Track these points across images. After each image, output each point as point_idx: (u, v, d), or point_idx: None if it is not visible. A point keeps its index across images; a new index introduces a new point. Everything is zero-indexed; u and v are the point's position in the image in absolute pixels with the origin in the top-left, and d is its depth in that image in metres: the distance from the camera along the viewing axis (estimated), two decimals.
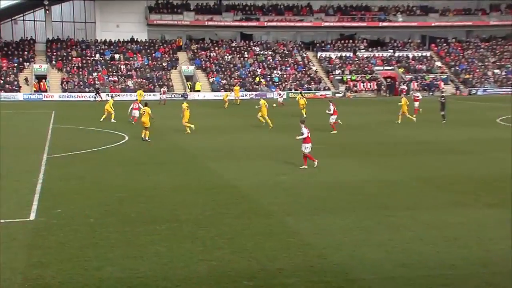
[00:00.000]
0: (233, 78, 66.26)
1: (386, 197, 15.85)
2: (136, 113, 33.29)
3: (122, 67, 65.63)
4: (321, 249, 11.47)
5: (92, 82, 61.81)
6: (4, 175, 18.57)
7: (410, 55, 73.94)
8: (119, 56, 67.05)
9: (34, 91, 58.84)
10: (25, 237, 12.07)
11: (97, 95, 56.61)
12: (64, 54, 65.83)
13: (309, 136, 19.72)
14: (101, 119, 35.32)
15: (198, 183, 17.86)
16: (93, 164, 21.03)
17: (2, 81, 59.64)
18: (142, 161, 21.86)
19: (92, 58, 66.08)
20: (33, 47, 66.86)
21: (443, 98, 36.02)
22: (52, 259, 10.72)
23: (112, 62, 66.08)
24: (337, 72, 70.13)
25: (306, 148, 19.77)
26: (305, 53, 73.47)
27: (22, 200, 15.18)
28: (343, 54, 73.15)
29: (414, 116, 35.39)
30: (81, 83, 61.42)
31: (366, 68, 70.78)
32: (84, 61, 65.34)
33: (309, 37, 77.16)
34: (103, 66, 65.01)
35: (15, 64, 62.93)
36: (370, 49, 74.69)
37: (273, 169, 20.21)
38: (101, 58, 66.36)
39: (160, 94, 54.84)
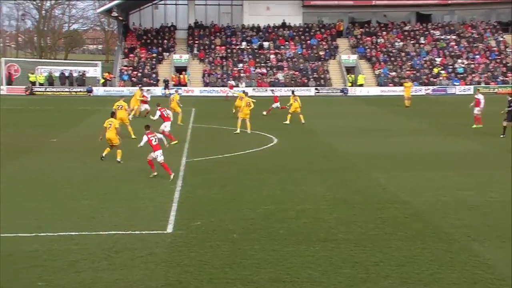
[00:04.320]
0: (404, 70, 64.94)
1: None
2: (165, 127, 27.72)
3: (272, 56, 67.45)
4: None
5: (237, 74, 64.38)
6: (140, 180, 20.04)
7: None
8: (269, 44, 69.00)
9: (173, 85, 62.63)
10: (162, 251, 12.90)
11: (166, 88, 58.66)
12: (207, 42, 69.31)
13: (156, 143, 20.03)
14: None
15: (359, 196, 17.80)
16: (237, 170, 21.85)
17: (140, 74, 64.40)
18: (293, 168, 22.26)
19: (237, 47, 68.79)
20: (173, 35, 71.28)
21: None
22: (191, 279, 11.33)
23: (260, 51, 68.21)
24: None
25: (158, 156, 19.89)
26: (502, 37, 69.61)
27: (158, 210, 16.24)
28: None
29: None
30: (224, 75, 64.23)
31: None
32: (228, 50, 68.26)
33: (509, 15, 72.93)
34: (250, 56, 67.37)
35: (154, 55, 67.60)
36: None
37: (455, 182, 19.57)
38: (248, 47, 68.80)
39: (227, 87, 53.80)
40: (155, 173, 20.33)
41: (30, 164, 22.93)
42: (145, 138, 20.38)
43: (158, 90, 60.51)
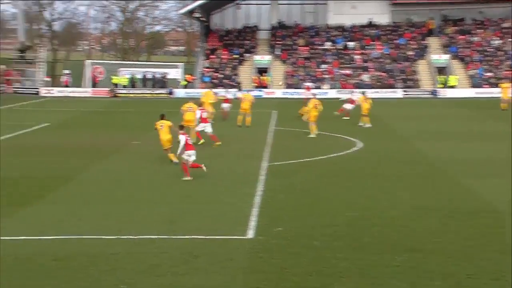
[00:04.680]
0: (501, 70, 62.84)
1: None
2: (206, 128, 28.40)
3: (357, 57, 66.88)
4: None
5: (320, 75, 64.19)
6: (220, 184, 20.31)
7: None
8: (354, 44, 68.45)
9: (255, 87, 63.05)
10: (242, 257, 13.02)
11: (239, 90, 56.22)
12: (290, 42, 69.47)
13: (190, 142, 20.85)
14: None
15: (449, 204, 17.43)
16: (319, 175, 21.83)
17: (221, 76, 65.23)
18: (379, 173, 22.05)
19: (321, 47, 68.57)
20: (255, 35, 71.84)
21: None
22: (271, 286, 11.37)
23: (344, 52, 67.76)
24: None
25: (190, 156, 20.52)
26: None
27: (239, 215, 16.40)
28: None
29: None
30: (307, 77, 64.17)
31: None
32: (312, 51, 68.15)
33: None
34: (334, 57, 67.03)
35: (236, 56, 68.32)
36: None
37: None
38: (333, 47, 68.47)
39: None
40: (189, 178, 20.62)
41: (112, 166, 23.66)
42: (183, 138, 20.85)
43: (238, 92, 60.97)
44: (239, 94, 39.38)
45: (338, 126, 35.26)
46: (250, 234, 14.62)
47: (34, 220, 15.86)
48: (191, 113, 28.55)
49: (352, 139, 30.12)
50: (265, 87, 63.19)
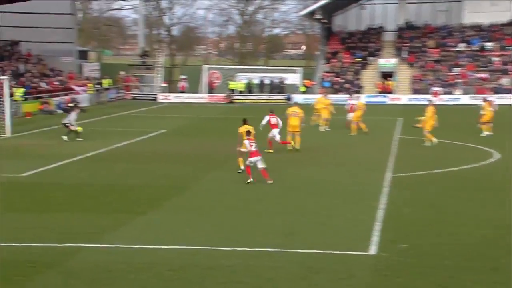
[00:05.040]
0: None
1: None
2: (275, 134, 28.80)
3: (495, 59, 64.52)
4: None
5: (452, 80, 62.49)
6: (340, 195, 20.17)
7: None
8: (492, 45, 66.08)
9: (379, 93, 62.33)
10: (364, 274, 12.84)
11: (350, 98, 50.12)
12: (418, 44, 68.11)
13: (255, 149, 21.66)
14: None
15: None
16: (450, 188, 21.27)
17: (343, 80, 64.90)
18: None
19: (454, 49, 66.75)
20: (380, 37, 71.02)
21: None
22: None
23: (481, 53, 65.61)
24: None
25: (257, 163, 21.58)
26: None
27: (360, 229, 16.20)
28: None
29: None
30: (437, 81, 62.65)
31: None
32: (443, 53, 66.48)
33: None
34: (469, 59, 65.04)
35: (359, 59, 67.83)
36: None
37: None
38: (467, 48, 66.47)
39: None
40: (251, 179, 21.52)
41: (227, 175, 23.98)
42: (247, 143, 21.85)
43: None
44: (359, 100, 38.64)
45: (474, 135, 34.12)
46: (373, 250, 14.40)
47: (149, 228, 16.38)
48: (295, 118, 29.47)
49: (488, 149, 29.11)
50: (390, 92, 62.35)
